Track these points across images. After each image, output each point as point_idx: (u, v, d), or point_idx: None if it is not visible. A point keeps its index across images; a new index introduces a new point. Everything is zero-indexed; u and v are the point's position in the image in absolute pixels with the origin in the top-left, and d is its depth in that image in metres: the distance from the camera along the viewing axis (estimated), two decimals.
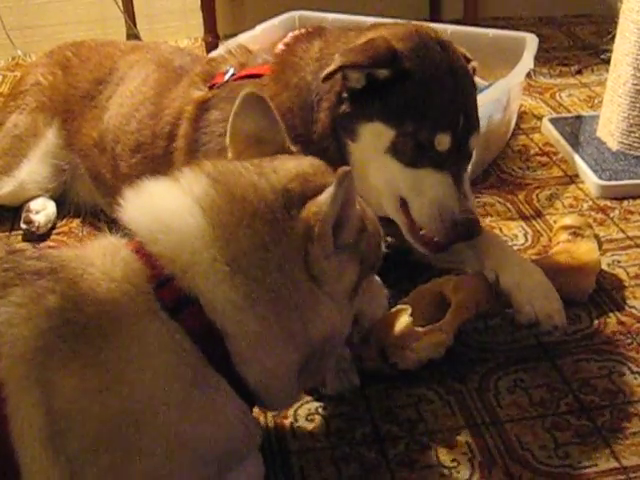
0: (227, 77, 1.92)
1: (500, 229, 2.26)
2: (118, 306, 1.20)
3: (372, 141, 1.72)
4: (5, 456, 1.12)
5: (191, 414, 1.22)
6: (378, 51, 1.68)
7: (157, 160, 1.98)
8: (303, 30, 1.93)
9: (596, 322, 1.87)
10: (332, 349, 1.39)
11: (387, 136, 1.71)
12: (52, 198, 2.39)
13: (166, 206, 1.29)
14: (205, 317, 1.23)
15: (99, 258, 1.25)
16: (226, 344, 1.23)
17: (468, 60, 1.86)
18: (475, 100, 1.83)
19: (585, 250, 1.94)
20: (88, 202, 2.37)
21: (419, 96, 1.70)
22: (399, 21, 1.97)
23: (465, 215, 1.71)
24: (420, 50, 1.73)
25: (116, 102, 2.17)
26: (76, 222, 2.39)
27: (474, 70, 1.87)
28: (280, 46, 1.89)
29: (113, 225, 2.33)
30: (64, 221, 2.40)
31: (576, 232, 1.99)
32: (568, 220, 2.06)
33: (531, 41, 2.81)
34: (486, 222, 2.29)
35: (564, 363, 1.75)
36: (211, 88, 1.93)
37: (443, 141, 1.71)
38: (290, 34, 1.91)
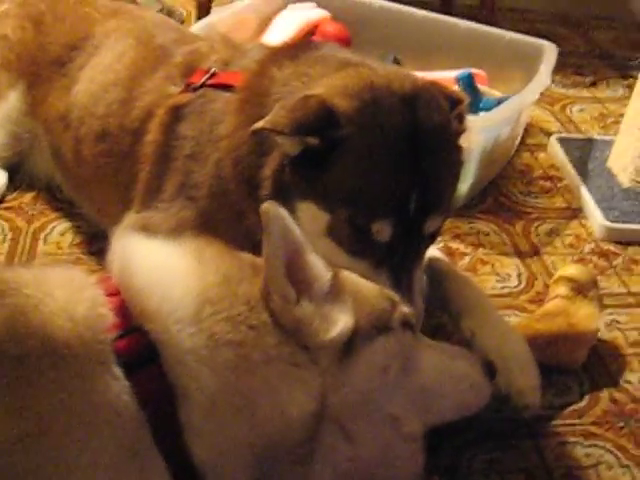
0: (203, 79, 1.69)
1: (493, 265, 2.08)
2: (67, 348, 1.07)
3: (309, 222, 1.40)
4: None
5: None
6: (306, 114, 1.37)
7: (121, 156, 1.78)
8: (285, 45, 1.71)
9: (587, 397, 1.70)
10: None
11: (322, 220, 1.43)
12: (4, 167, 2.17)
13: (157, 250, 1.23)
14: (163, 379, 1.10)
15: (62, 290, 1.13)
16: (179, 413, 1.09)
17: (456, 103, 1.52)
18: (445, 167, 1.48)
19: (584, 315, 1.74)
20: (45, 177, 2.15)
21: (355, 172, 1.40)
22: (378, 66, 1.55)
23: None
24: (367, 110, 1.40)
25: (87, 75, 1.93)
26: (28, 197, 2.18)
27: (461, 114, 1.53)
28: (252, 64, 1.65)
29: (69, 206, 2.08)
30: (14, 194, 2.19)
31: (579, 289, 1.79)
32: (573, 270, 1.86)
33: (549, 52, 2.63)
34: (479, 254, 2.11)
35: (547, 445, 1.58)
36: (187, 86, 1.71)
37: (382, 230, 1.40)
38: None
